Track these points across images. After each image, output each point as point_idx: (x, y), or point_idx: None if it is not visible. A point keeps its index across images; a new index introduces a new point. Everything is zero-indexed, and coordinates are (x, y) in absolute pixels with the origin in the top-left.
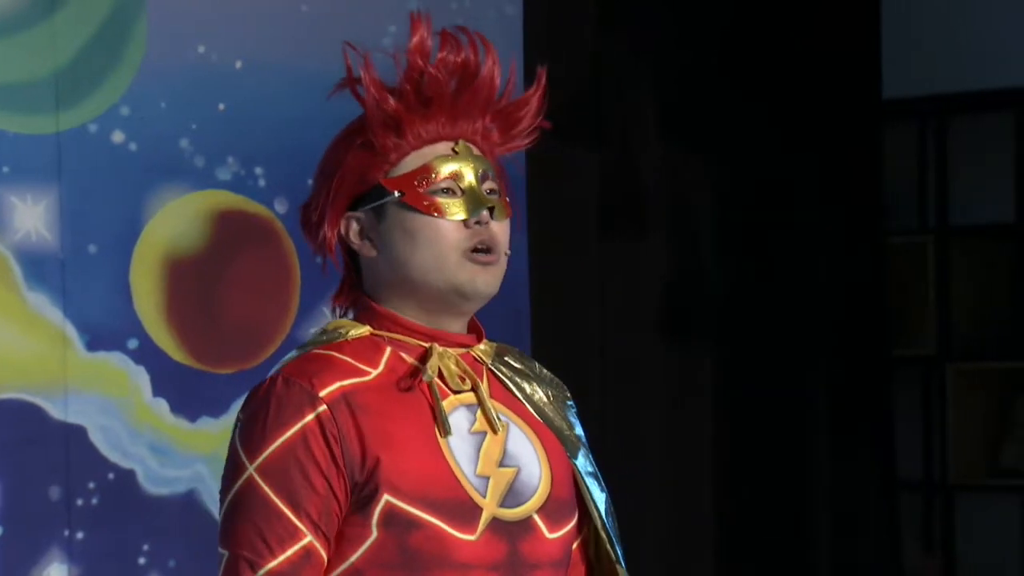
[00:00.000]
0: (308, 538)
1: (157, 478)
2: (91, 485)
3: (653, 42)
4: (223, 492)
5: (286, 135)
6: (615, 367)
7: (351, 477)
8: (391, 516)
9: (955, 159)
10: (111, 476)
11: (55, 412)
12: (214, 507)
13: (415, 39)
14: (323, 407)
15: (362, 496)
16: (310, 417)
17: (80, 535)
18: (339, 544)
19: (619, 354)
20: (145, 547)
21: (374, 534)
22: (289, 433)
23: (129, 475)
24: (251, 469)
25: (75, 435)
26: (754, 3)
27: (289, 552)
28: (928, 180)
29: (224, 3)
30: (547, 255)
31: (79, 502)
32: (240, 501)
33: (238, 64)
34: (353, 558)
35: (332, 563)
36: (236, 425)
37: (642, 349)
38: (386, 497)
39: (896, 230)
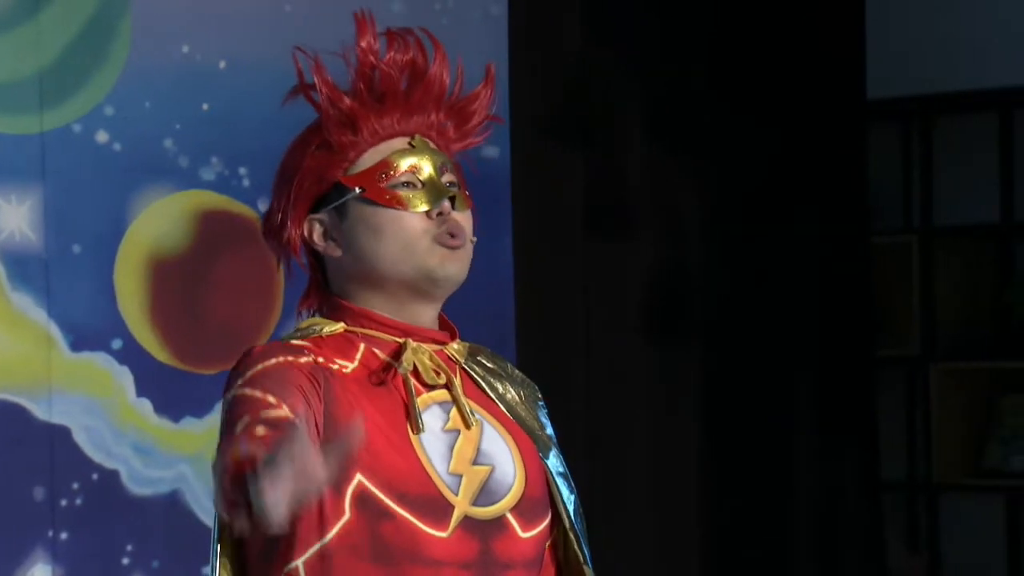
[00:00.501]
0: (287, 411)
1: (141, 478)
2: (75, 485)
3: (638, 42)
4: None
5: (270, 135)
6: (600, 368)
7: (327, 429)
8: (364, 498)
9: (939, 159)
10: (95, 476)
11: (39, 412)
12: (198, 507)
13: (363, 38)
14: (310, 356)
15: None
16: (296, 358)
17: (64, 535)
18: (312, 524)
19: (604, 355)
20: (129, 547)
21: (347, 514)
22: (274, 360)
23: (113, 475)
24: (234, 391)
25: (59, 435)
26: (739, 4)
27: (268, 414)
28: (912, 180)
29: (208, 3)
30: (532, 256)
31: (63, 502)
32: (226, 420)
33: (222, 64)
34: (326, 539)
35: (307, 539)
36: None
37: (627, 350)
38: (359, 477)
39: (881, 230)
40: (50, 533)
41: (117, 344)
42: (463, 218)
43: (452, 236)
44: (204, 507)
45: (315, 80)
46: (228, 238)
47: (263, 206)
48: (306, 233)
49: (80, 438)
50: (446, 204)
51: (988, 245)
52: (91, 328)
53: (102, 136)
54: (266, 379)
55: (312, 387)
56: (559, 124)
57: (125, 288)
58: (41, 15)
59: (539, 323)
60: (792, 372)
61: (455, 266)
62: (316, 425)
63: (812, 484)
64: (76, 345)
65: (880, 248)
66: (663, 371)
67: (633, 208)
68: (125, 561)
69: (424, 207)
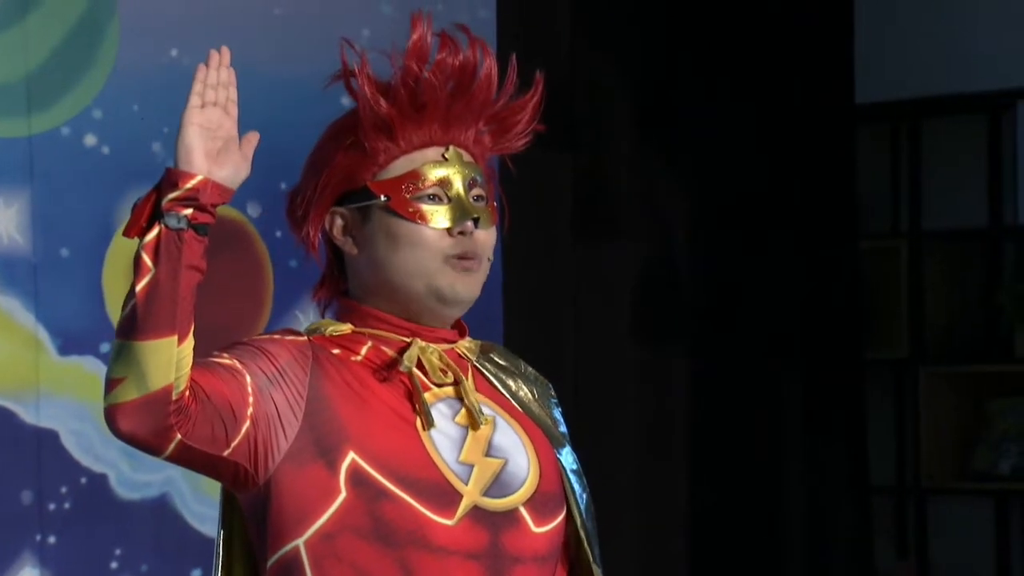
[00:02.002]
0: (237, 363)
1: (129, 482)
2: (63, 489)
3: (627, 45)
4: None
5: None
6: (588, 370)
7: (310, 415)
8: (358, 477)
9: (928, 163)
10: (83, 480)
11: (27, 416)
12: (186, 511)
13: (414, 40)
14: (308, 338)
15: (325, 446)
16: (292, 337)
17: (52, 539)
18: (308, 501)
19: (592, 357)
20: (117, 551)
21: (343, 493)
22: (264, 335)
23: (101, 479)
24: None
25: (47, 439)
26: (728, 7)
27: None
28: (901, 184)
29: (196, 6)
30: (520, 258)
31: (51, 506)
32: None
33: None
34: (324, 518)
35: (302, 522)
36: None
37: (615, 352)
38: (352, 455)
39: (869, 234)
40: (38, 537)
41: (105, 348)
42: (485, 236)
43: (467, 258)
44: (193, 511)
45: (359, 78)
46: (216, 242)
47: (252, 210)
48: (326, 225)
49: (68, 442)
50: (468, 224)
51: (976, 248)
52: (79, 331)
53: (90, 139)
54: (237, 347)
55: (293, 361)
56: (548, 126)
57: (113, 291)
58: (29, 18)
59: (527, 326)
60: (781, 375)
61: (465, 285)
62: (258, 389)
63: (801, 487)
64: (64, 349)
65: (869, 252)
66: (652, 374)
67: (621, 211)
68: (113, 565)
69: (446, 224)
